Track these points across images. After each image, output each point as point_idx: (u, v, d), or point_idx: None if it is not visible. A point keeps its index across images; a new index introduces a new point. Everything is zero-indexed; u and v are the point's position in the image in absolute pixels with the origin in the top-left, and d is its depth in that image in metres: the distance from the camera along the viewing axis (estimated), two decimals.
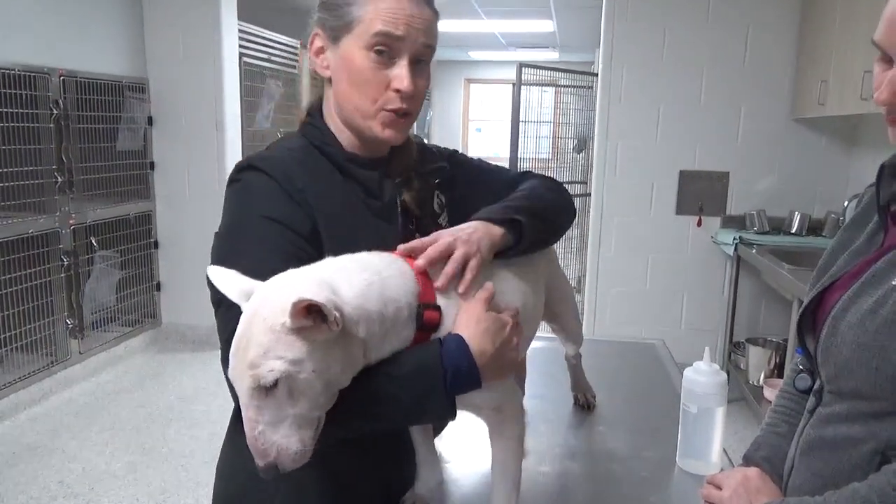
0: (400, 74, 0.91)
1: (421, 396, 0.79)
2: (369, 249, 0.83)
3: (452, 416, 0.81)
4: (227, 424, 1.02)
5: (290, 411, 0.70)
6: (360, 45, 0.91)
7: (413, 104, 0.94)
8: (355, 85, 0.92)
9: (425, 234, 1.03)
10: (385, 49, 0.90)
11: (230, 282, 0.76)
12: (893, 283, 0.77)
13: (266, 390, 0.69)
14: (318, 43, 0.97)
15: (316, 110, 1.00)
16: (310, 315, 0.68)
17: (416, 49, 0.92)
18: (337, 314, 0.69)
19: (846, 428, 0.81)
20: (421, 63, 0.94)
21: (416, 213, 1.02)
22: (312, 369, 0.70)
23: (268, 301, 0.71)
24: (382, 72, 0.91)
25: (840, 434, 0.81)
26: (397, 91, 0.92)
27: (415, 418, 0.87)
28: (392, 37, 0.90)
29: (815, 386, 0.89)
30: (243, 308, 0.73)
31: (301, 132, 0.99)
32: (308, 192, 0.89)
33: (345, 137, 0.97)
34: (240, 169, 0.92)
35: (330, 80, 0.96)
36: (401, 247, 0.86)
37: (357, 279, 0.76)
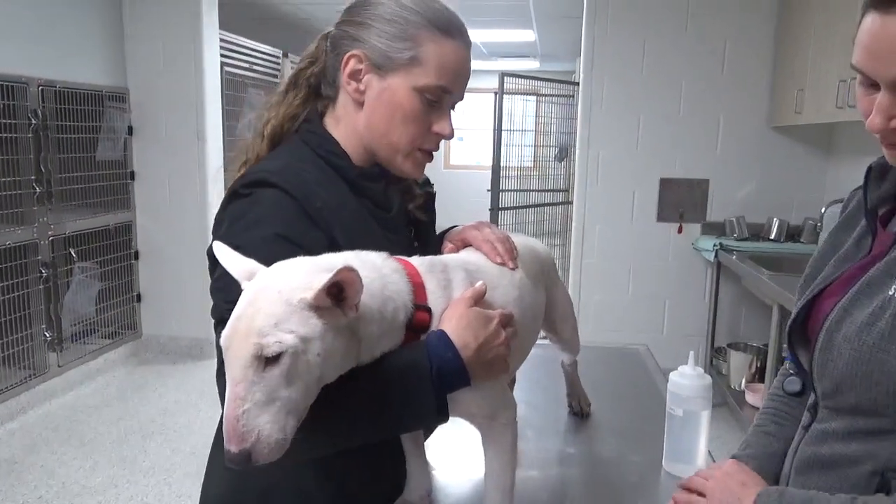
0: (444, 121, 0.95)
1: (409, 394, 0.78)
2: None
3: (444, 416, 0.80)
4: (213, 438, 1.00)
5: (282, 393, 0.66)
6: (411, 85, 0.91)
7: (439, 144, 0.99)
8: (398, 123, 0.93)
9: (426, 243, 1.04)
10: (435, 101, 0.93)
11: (235, 259, 0.75)
12: (890, 293, 0.74)
13: (265, 364, 0.65)
14: (354, 65, 0.92)
15: (315, 117, 0.98)
16: (330, 297, 0.68)
17: (457, 100, 0.97)
18: (359, 298, 0.69)
19: (843, 446, 0.78)
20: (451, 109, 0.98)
21: (423, 219, 1.05)
22: (318, 352, 0.68)
23: (281, 277, 0.70)
24: (427, 115, 0.94)
25: (837, 453, 0.79)
26: (437, 135, 0.95)
27: (405, 420, 0.84)
28: (446, 91, 0.93)
29: (810, 401, 0.86)
30: (245, 286, 0.72)
31: (302, 139, 0.96)
32: (326, 210, 0.87)
33: (352, 150, 0.96)
34: (250, 183, 0.87)
35: (361, 104, 0.94)
36: None
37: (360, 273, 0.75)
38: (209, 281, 0.86)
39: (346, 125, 0.96)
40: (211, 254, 0.83)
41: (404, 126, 0.93)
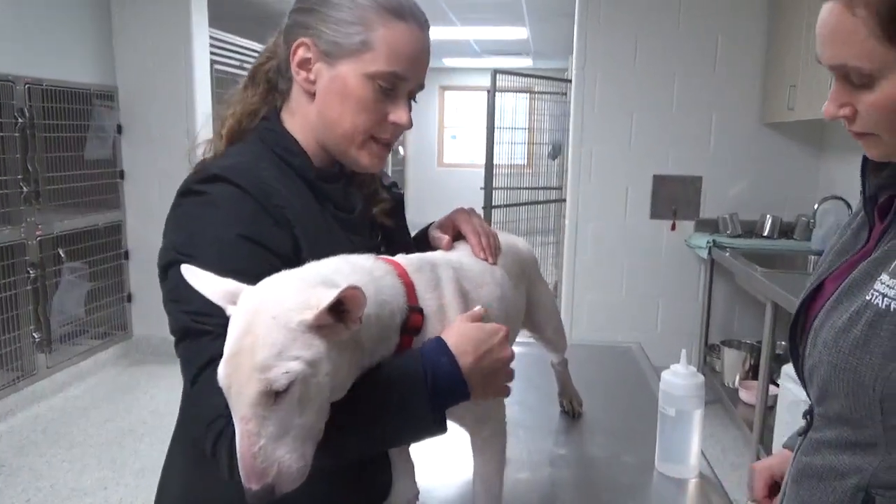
0: (400, 110, 0.90)
1: (403, 402, 0.75)
2: None
3: (442, 427, 0.76)
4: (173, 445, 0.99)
5: (296, 421, 0.64)
6: (362, 72, 0.87)
7: (399, 135, 0.94)
8: (350, 112, 0.88)
9: (394, 246, 1.00)
10: (390, 88, 0.88)
11: (210, 282, 0.69)
12: (867, 297, 0.71)
13: (276, 397, 0.62)
14: (303, 54, 0.88)
15: (273, 114, 0.94)
16: (330, 312, 0.65)
17: (414, 88, 0.92)
18: (362, 312, 0.66)
19: (833, 458, 0.76)
20: (411, 98, 0.94)
21: (389, 225, 1.01)
22: (326, 372, 0.65)
23: (272, 298, 0.66)
24: (382, 103, 0.89)
25: (828, 464, 0.76)
26: (394, 125, 0.90)
27: (404, 432, 0.80)
28: (400, 78, 0.88)
29: (807, 407, 0.83)
30: (230, 311, 0.67)
31: (259, 137, 0.92)
32: (287, 209, 0.83)
33: (308, 145, 0.92)
34: (203, 180, 0.83)
35: (312, 95, 0.90)
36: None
37: (353, 280, 0.71)
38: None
39: (300, 119, 0.92)
40: (163, 265, 0.80)
41: (356, 115, 0.88)
